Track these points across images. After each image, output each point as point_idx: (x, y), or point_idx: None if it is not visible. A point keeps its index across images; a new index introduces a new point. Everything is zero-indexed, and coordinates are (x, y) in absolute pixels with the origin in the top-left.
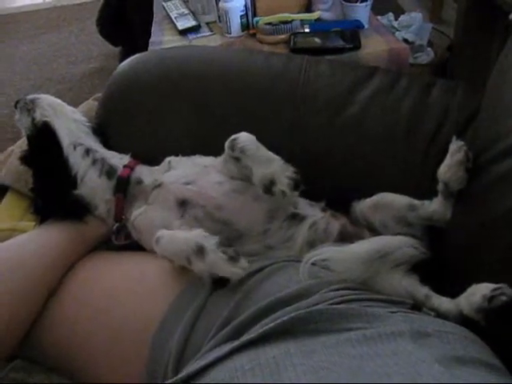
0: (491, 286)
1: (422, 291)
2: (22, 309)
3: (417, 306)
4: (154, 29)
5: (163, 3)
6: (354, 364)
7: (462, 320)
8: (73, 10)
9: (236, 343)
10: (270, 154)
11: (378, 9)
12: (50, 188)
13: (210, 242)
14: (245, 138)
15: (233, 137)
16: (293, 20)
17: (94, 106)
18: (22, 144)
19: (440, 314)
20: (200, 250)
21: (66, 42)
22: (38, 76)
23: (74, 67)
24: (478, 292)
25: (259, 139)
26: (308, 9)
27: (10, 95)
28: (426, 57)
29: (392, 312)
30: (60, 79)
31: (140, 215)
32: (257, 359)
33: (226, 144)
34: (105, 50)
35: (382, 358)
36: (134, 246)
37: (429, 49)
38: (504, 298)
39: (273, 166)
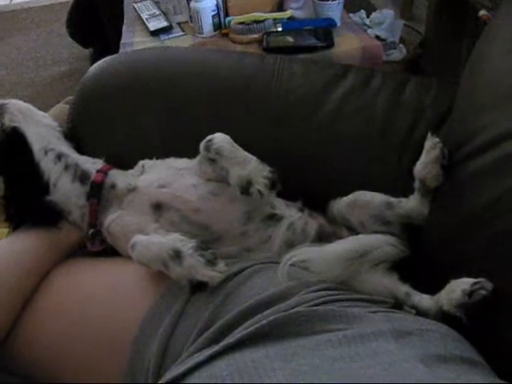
0: (470, 280)
1: (402, 289)
2: None
3: (397, 305)
4: (124, 30)
5: (134, 4)
6: (336, 366)
7: (443, 316)
8: (40, 11)
9: (215, 348)
10: (246, 154)
11: (349, 6)
12: (22, 194)
13: (187, 246)
14: (220, 138)
15: (208, 138)
16: (265, 19)
17: (65, 109)
18: None
19: (420, 312)
20: (177, 255)
21: (35, 45)
22: (7, 80)
23: (44, 70)
24: (458, 287)
25: (234, 140)
26: (280, 8)
27: None
28: (399, 54)
29: (373, 312)
30: (29, 83)
31: (114, 220)
32: (235, 364)
33: (201, 145)
34: (75, 52)
35: (363, 359)
36: (110, 252)
37: (401, 45)
38: (484, 292)
39: (249, 167)
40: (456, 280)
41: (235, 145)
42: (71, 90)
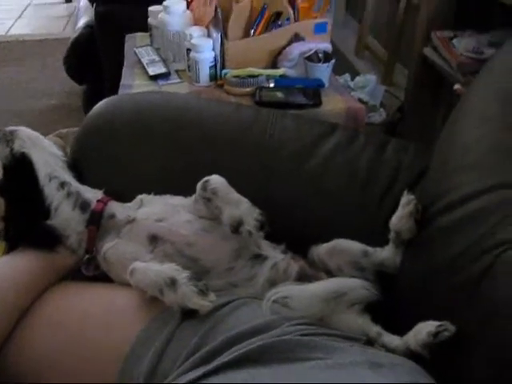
0: (435, 323)
1: (374, 329)
2: None
3: (370, 342)
4: (124, 72)
5: (135, 49)
6: None
7: (409, 354)
8: (35, 45)
9: (209, 367)
10: (239, 196)
11: (335, 69)
12: (23, 217)
13: (182, 275)
14: (216, 180)
15: (205, 178)
16: (259, 74)
17: (56, 141)
18: None
19: (389, 350)
20: (172, 283)
21: (27, 77)
22: None
23: (34, 102)
24: (424, 329)
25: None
26: (274, 65)
27: None
28: (379, 117)
29: (349, 345)
30: (18, 113)
31: (111, 248)
32: (227, 382)
33: (199, 185)
34: (66, 87)
35: (345, 380)
36: (102, 278)
37: (381, 109)
38: (447, 333)
39: (241, 208)
40: (423, 322)
41: (230, 187)
42: (60, 123)
